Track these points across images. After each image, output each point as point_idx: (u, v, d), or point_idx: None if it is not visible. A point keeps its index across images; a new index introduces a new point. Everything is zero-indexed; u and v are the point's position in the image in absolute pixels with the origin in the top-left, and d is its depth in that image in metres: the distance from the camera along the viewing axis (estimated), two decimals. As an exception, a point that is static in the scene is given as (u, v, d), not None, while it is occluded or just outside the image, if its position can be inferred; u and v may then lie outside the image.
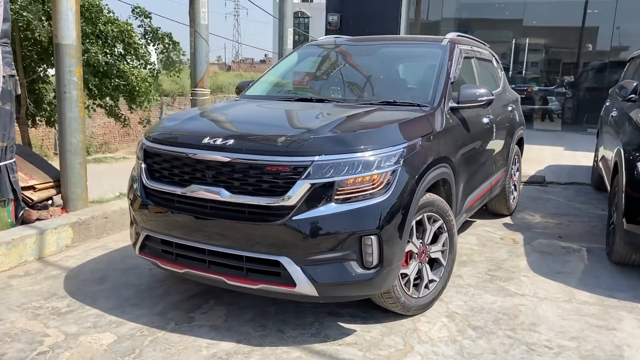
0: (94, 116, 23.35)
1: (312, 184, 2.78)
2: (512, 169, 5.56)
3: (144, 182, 3.24)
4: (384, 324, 3.23)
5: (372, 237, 2.81)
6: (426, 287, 3.35)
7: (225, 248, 2.95)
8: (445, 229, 3.43)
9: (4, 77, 4.12)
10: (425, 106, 3.64)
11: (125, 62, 10.00)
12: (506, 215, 5.74)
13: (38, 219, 4.43)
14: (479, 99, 3.78)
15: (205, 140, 3.03)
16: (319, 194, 2.78)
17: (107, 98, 10.06)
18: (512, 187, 5.74)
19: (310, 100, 3.95)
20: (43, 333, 3.04)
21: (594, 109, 13.06)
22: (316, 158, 2.79)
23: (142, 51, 10.75)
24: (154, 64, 11.37)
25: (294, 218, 2.77)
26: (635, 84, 4.81)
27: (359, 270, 2.84)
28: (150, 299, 3.51)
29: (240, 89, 4.61)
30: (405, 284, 3.20)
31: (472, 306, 3.50)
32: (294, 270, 2.80)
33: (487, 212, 5.67)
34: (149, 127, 3.59)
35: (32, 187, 4.64)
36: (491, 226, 5.36)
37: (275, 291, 2.91)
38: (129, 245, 4.52)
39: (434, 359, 2.86)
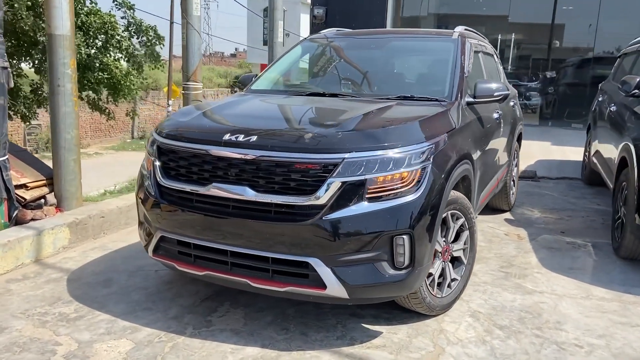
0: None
1: (343, 182, 2.67)
2: (512, 164, 5.55)
3: (159, 180, 3.08)
4: (409, 325, 3.14)
5: (404, 236, 2.72)
6: (449, 286, 3.28)
7: (249, 249, 2.82)
8: (467, 227, 3.36)
9: (-4, 69, 3.88)
10: (444, 101, 3.56)
11: (108, 55, 9.65)
12: (506, 211, 5.73)
13: (33, 219, 4.21)
14: (495, 93, 3.72)
15: (226, 137, 2.89)
16: (350, 193, 2.67)
17: (90, 92, 9.70)
18: (512, 182, 5.73)
19: (322, 94, 3.83)
20: (54, 341, 2.86)
21: (575, 105, 13.28)
22: (347, 155, 2.68)
23: (126, 44, 10.41)
24: (138, 57, 11.04)
25: (324, 218, 2.65)
26: (638, 79, 4.82)
27: (391, 271, 2.75)
28: (162, 303, 3.35)
29: (243, 83, 4.46)
30: (429, 284, 3.12)
31: (493, 305, 3.45)
32: (324, 271, 2.69)
33: (487, 207, 5.64)
34: (161, 123, 3.42)
35: (24, 186, 4.41)
36: (493, 222, 5.34)
37: (303, 293, 2.79)
38: (129, 246, 4.37)
39: (467, 360, 2.79)
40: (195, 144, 2.96)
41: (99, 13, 9.69)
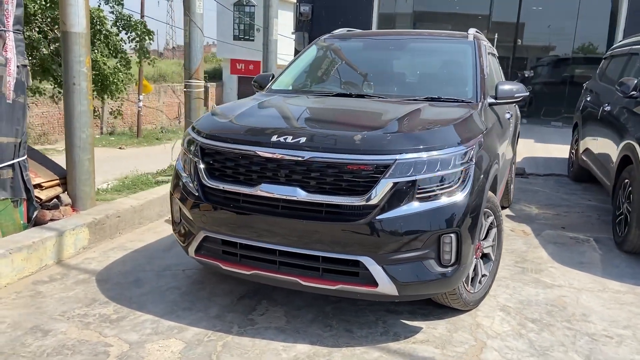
0: (32, 105, 22.07)
1: (395, 183, 2.75)
2: (513, 161, 5.74)
3: (202, 181, 3.09)
4: (446, 320, 3.25)
5: (452, 235, 2.82)
6: (479, 281, 3.40)
7: (299, 248, 2.87)
8: (495, 224, 3.49)
9: (17, 67, 3.80)
10: (470, 102, 3.68)
11: (95, 51, 9.40)
12: (505, 207, 5.91)
13: (51, 220, 4.15)
14: (516, 95, 3.85)
15: (275, 138, 2.93)
16: (401, 193, 2.76)
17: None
18: (511, 179, 5.92)
19: (349, 95, 3.90)
20: (104, 343, 2.86)
21: (552, 103, 13.69)
22: (399, 157, 2.76)
23: (115, 39, 10.19)
24: (126, 53, 10.83)
25: (377, 217, 2.73)
26: (636, 81, 5.05)
27: (438, 269, 2.84)
28: (200, 302, 3.37)
29: (260, 83, 4.47)
30: (465, 280, 3.23)
31: (519, 299, 3.59)
32: (376, 270, 2.77)
33: (489, 204, 5.81)
34: (199, 123, 3.42)
35: (38, 186, 4.33)
36: (497, 218, 5.50)
37: (353, 291, 2.86)
38: (148, 246, 4.35)
39: (510, 353, 2.91)
40: (241, 145, 2.99)
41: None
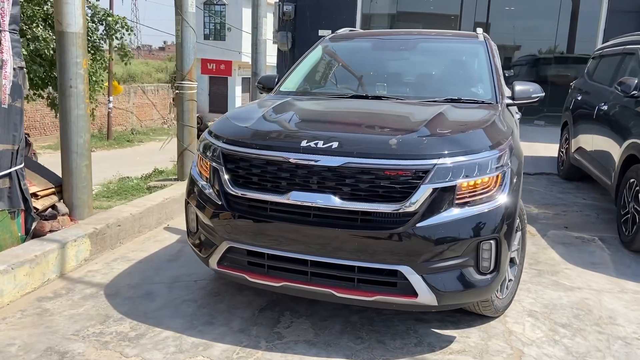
0: None
1: (435, 189, 2.65)
2: (513, 162, 5.71)
3: (227, 189, 2.93)
4: (477, 327, 3.17)
5: (491, 241, 2.74)
6: (507, 287, 3.33)
7: (332, 258, 2.74)
8: (520, 228, 3.42)
9: (14, 69, 3.57)
10: (490, 103, 3.61)
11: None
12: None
13: (50, 231, 3.92)
14: (533, 95, 3.81)
15: (305, 143, 2.79)
16: (441, 199, 2.66)
17: (50, 88, 9.04)
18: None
19: (366, 97, 3.78)
20: (127, 364, 2.68)
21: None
22: (438, 161, 2.66)
23: (96, 36, 9.80)
24: (104, 51, 10.44)
25: (418, 225, 2.62)
26: (637, 81, 5.08)
27: (477, 277, 2.76)
28: (220, 315, 3.21)
29: (265, 85, 4.32)
30: (495, 286, 3.16)
31: (543, 303, 3.54)
32: (415, 279, 2.66)
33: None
34: (217, 127, 3.25)
35: (34, 195, 4.08)
36: (500, 219, 5.47)
37: (391, 302, 2.75)
38: (151, 256, 4.17)
39: (549, 360, 2.85)
40: (270, 151, 2.84)
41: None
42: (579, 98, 7.12)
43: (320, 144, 2.77)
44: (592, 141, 6.23)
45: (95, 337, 2.93)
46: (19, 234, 3.76)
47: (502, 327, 3.19)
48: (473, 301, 2.93)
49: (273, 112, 3.37)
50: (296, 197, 2.76)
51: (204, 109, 34.80)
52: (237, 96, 33.09)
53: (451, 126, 3.04)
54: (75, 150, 4.21)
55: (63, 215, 4.16)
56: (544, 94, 3.91)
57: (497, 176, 2.80)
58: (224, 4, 34.50)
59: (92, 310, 3.24)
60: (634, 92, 5.06)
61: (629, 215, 4.70)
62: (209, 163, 3.10)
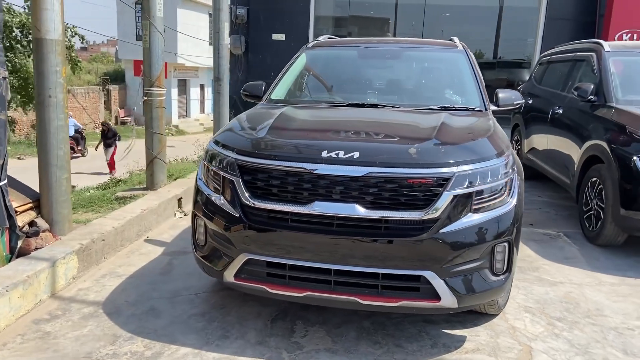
0: None
1: (455, 196, 2.75)
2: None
3: (244, 201, 2.91)
4: (483, 325, 3.31)
5: (504, 244, 2.88)
6: (504, 285, 3.49)
7: (357, 266, 2.79)
8: None
9: (-3, 79, 3.37)
10: (480, 111, 3.78)
11: (20, 55, 8.44)
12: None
13: (35, 249, 3.72)
14: (515, 102, 4.01)
15: (325, 154, 2.82)
16: (461, 206, 2.77)
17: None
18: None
19: (362, 105, 3.85)
20: (154, 385, 2.60)
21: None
22: (458, 168, 2.77)
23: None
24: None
25: (441, 231, 2.72)
26: (592, 87, 5.44)
27: (492, 278, 2.89)
28: (232, 328, 3.18)
29: (251, 92, 4.30)
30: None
31: (534, 299, 3.74)
32: (438, 283, 2.75)
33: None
34: (224, 138, 3.21)
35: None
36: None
37: (414, 307, 2.83)
38: (141, 270, 4.08)
39: (557, 354, 3.02)
40: (290, 162, 2.85)
41: (14, 12, 8.48)
42: (530, 102, 7.51)
43: (342, 154, 2.81)
44: (546, 142, 6.60)
45: (110, 358, 2.82)
46: (4, 253, 3.54)
47: (505, 324, 3.35)
48: (486, 302, 3.06)
49: (281, 122, 3.37)
50: (319, 208, 2.78)
51: (138, 112, 33.73)
52: (173, 99, 32.27)
53: (460, 135, 3.16)
54: (55, 163, 4.02)
55: (44, 231, 3.96)
56: (524, 100, 4.13)
57: (507, 182, 2.94)
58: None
59: (98, 331, 3.11)
60: (591, 97, 5.41)
61: (593, 212, 5.04)
62: (220, 174, 3.06)
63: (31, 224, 3.98)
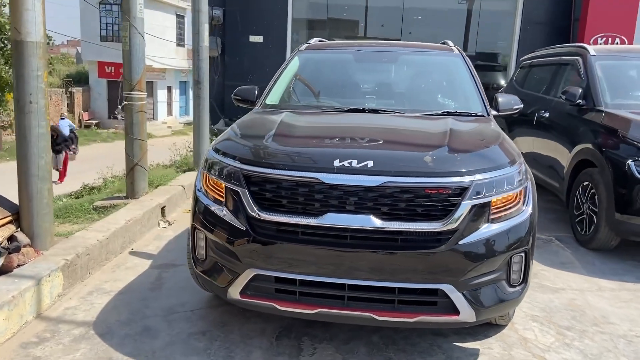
0: None
1: (473, 205, 2.65)
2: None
3: (251, 213, 2.74)
4: (494, 337, 3.23)
5: (521, 254, 2.80)
6: (511, 294, 3.42)
7: (372, 281, 2.66)
8: None
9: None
10: (483, 116, 3.70)
11: None
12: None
13: (18, 265, 3.47)
14: (514, 107, 3.96)
15: (338, 163, 2.69)
16: (479, 215, 2.67)
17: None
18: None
19: (363, 110, 3.72)
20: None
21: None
22: (476, 177, 2.67)
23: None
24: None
25: (460, 242, 2.61)
26: (580, 91, 5.45)
27: (509, 289, 2.80)
28: (236, 348, 3.01)
29: (243, 97, 4.13)
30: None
31: (540, 307, 3.68)
32: (457, 297, 2.65)
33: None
34: (225, 146, 3.04)
35: (-10, 225, 3.60)
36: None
37: (432, 322, 2.71)
38: (130, 285, 3.88)
39: (572, 365, 2.96)
40: (300, 172, 2.70)
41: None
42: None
43: (355, 163, 2.68)
44: (532, 145, 6.61)
45: (110, 385, 2.63)
46: (-16, 272, 3.29)
47: (515, 334, 3.28)
48: (502, 314, 2.97)
49: (284, 129, 3.21)
50: (332, 220, 2.64)
51: (103, 114, 32.97)
52: (140, 102, 31.56)
53: (472, 142, 3.07)
54: (36, 174, 3.77)
55: (25, 246, 3.70)
56: (522, 105, 4.08)
57: (522, 190, 2.86)
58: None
59: (91, 354, 2.90)
60: (579, 101, 5.42)
61: (585, 216, 5.04)
62: (223, 184, 2.89)
63: (10, 238, 3.72)
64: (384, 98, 4.05)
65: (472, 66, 4.23)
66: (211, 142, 9.10)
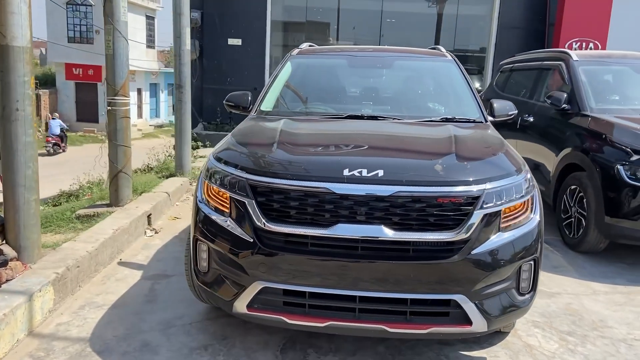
0: None
1: (485, 214, 2.64)
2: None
3: (258, 224, 2.66)
4: (498, 345, 3.23)
5: (531, 262, 2.80)
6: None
7: (383, 292, 2.62)
8: None
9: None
10: (481, 122, 3.71)
11: None
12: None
13: (7, 280, 3.32)
14: (509, 112, 3.97)
15: (347, 172, 2.64)
16: (490, 224, 2.66)
17: None
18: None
19: (361, 117, 3.68)
20: None
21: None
22: (487, 186, 2.66)
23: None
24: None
25: (472, 252, 2.59)
26: (565, 95, 5.53)
27: (519, 298, 2.80)
28: (242, 363, 2.93)
29: (237, 103, 4.05)
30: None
31: (539, 312, 3.69)
32: (470, 307, 2.62)
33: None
34: (228, 155, 2.96)
35: (-25, 238, 3.44)
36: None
37: (444, 333, 2.69)
38: (123, 298, 3.77)
39: (579, 371, 2.97)
40: (309, 182, 2.64)
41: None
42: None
43: (365, 173, 2.63)
44: (515, 148, 6.66)
45: (114, 406, 2.52)
46: (-29, 289, 3.13)
47: (519, 342, 3.28)
48: (511, 322, 2.96)
49: (287, 137, 3.14)
50: (343, 230, 2.59)
51: (71, 117, 32.23)
52: (109, 104, 30.93)
53: (478, 149, 3.07)
54: (23, 184, 3.62)
55: (11, 259, 3.54)
56: (517, 110, 4.10)
57: (530, 198, 2.86)
58: (90, 5, 32.18)
59: (92, 374, 2.78)
60: (565, 105, 5.49)
61: (573, 219, 5.10)
62: (226, 194, 2.81)
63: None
64: (380, 104, 4.02)
65: (465, 72, 4.23)
66: (193, 147, 8.96)
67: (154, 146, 10.37)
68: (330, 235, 2.60)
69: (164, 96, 40.55)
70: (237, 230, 2.74)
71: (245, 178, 2.75)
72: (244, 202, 2.72)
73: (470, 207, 2.62)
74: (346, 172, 2.64)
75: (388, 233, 2.58)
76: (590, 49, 10.09)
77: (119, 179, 5.40)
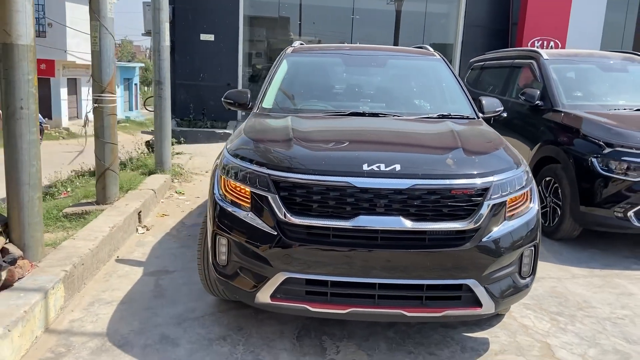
0: None
1: (493, 205, 2.85)
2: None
3: (281, 217, 2.79)
4: (497, 326, 3.45)
5: (532, 248, 3.03)
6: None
7: (402, 279, 2.79)
8: None
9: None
10: (473, 118, 3.93)
11: None
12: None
13: (18, 279, 3.32)
14: (497, 109, 4.21)
15: (367, 167, 2.80)
16: (497, 214, 2.87)
17: None
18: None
19: (363, 114, 3.84)
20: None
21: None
22: (494, 178, 2.87)
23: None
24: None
25: (483, 239, 2.80)
26: (538, 92, 5.85)
27: (521, 281, 3.02)
28: (262, 351, 3.05)
29: (236, 100, 4.15)
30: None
31: (528, 295, 3.85)
32: (480, 291, 2.83)
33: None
34: (244, 152, 3.06)
35: (-19, 238, 3.42)
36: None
37: (457, 315, 2.89)
38: (130, 293, 3.83)
39: (573, 348, 3.23)
40: (331, 177, 2.78)
41: None
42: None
43: (383, 167, 2.80)
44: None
45: (149, 396, 2.60)
46: (-16, 288, 3.13)
47: (515, 322, 3.52)
48: (515, 303, 3.19)
49: (300, 134, 3.26)
50: (364, 222, 2.75)
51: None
52: (63, 99, 30.07)
53: (482, 144, 3.27)
54: (27, 182, 3.61)
55: (19, 258, 3.54)
56: (503, 107, 4.34)
57: (530, 189, 3.09)
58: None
59: (119, 367, 2.85)
60: (538, 102, 5.81)
61: (548, 209, 5.42)
62: (246, 190, 2.92)
63: (2, 250, 3.54)
64: (377, 101, 4.19)
65: (454, 70, 4.45)
66: (172, 143, 8.88)
67: (125, 142, 10.22)
68: (351, 226, 2.76)
69: (119, 91, 39.59)
70: (259, 224, 2.85)
71: (267, 174, 2.86)
72: (267, 197, 2.84)
73: (480, 198, 2.83)
74: (365, 167, 2.80)
75: (406, 224, 2.75)
76: (551, 47, 10.59)
77: (106, 176, 5.38)
